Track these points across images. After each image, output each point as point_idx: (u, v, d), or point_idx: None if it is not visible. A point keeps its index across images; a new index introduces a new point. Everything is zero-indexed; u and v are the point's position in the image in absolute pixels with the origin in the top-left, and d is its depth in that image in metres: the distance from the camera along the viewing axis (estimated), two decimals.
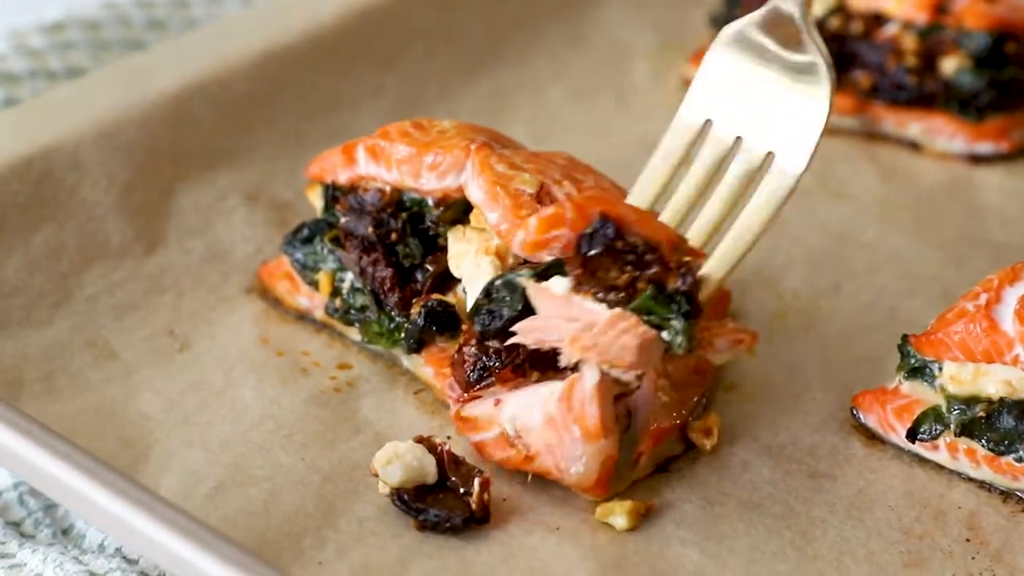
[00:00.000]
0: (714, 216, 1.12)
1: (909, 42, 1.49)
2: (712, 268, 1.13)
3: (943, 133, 1.49)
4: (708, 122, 1.13)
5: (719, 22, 1.58)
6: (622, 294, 1.10)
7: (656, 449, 1.17)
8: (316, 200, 1.30)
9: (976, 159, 1.49)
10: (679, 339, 1.09)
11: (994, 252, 1.38)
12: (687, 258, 1.11)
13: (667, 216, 1.16)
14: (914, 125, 1.50)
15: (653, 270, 1.10)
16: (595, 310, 1.10)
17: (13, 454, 1.10)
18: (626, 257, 1.11)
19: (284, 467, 1.17)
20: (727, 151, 1.12)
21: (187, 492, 1.14)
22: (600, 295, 1.11)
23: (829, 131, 1.49)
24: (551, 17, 1.63)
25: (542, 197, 1.20)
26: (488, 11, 1.60)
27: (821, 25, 1.51)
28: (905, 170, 1.48)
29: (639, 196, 1.16)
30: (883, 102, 1.50)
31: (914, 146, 1.50)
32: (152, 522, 1.04)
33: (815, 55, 1.10)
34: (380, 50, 1.54)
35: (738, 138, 1.12)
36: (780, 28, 1.10)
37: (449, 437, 1.19)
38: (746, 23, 1.12)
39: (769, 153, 1.10)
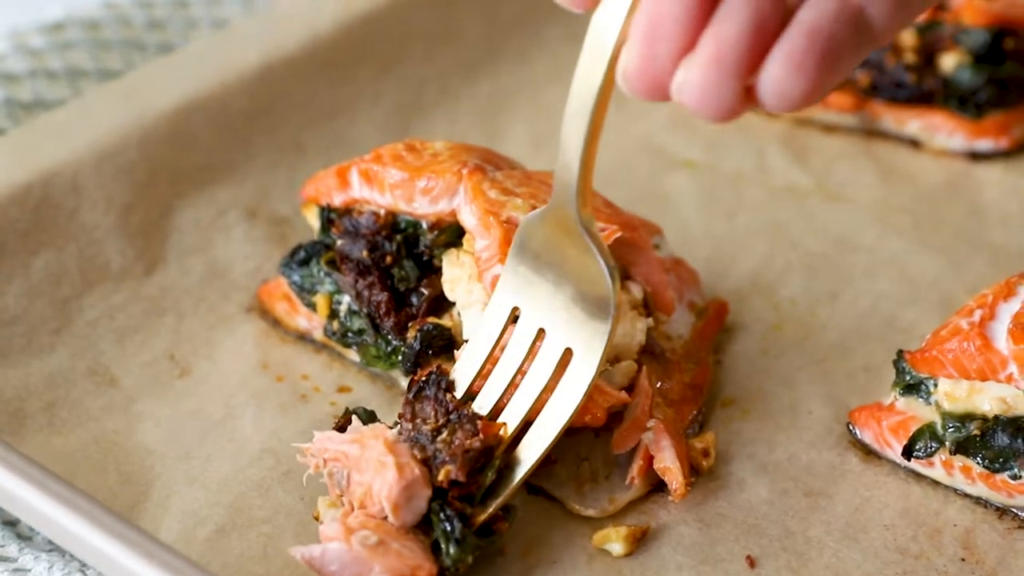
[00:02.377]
0: (520, 409, 1.12)
1: (908, 39, 1.48)
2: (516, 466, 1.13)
3: (942, 130, 1.48)
4: (516, 309, 1.14)
5: None
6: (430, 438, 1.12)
7: (650, 470, 1.18)
8: (313, 219, 1.30)
9: (976, 156, 1.48)
10: (448, 560, 1.09)
11: (993, 255, 1.38)
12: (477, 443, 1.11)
13: (479, 402, 1.15)
14: (913, 122, 1.49)
15: (462, 430, 1.11)
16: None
17: (12, 497, 1.11)
18: (445, 409, 1.12)
19: (284, 507, 1.17)
20: (532, 340, 1.13)
21: (187, 536, 1.15)
22: (412, 435, 1.12)
23: (828, 128, 1.51)
24: (550, 17, 1.62)
25: None
26: (487, 11, 1.60)
27: None
28: (904, 168, 1.48)
29: (460, 374, 1.16)
30: (882, 100, 1.49)
31: (913, 144, 1.50)
32: (151, 568, 1.05)
33: (597, 261, 1.10)
34: (378, 55, 1.53)
35: (541, 329, 1.12)
36: (566, 227, 1.10)
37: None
38: (536, 218, 1.12)
39: (568, 349, 1.11)
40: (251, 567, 1.13)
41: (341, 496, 1.10)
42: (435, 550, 1.09)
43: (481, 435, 1.10)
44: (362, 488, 1.09)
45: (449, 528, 1.09)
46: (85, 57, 1.55)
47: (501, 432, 1.12)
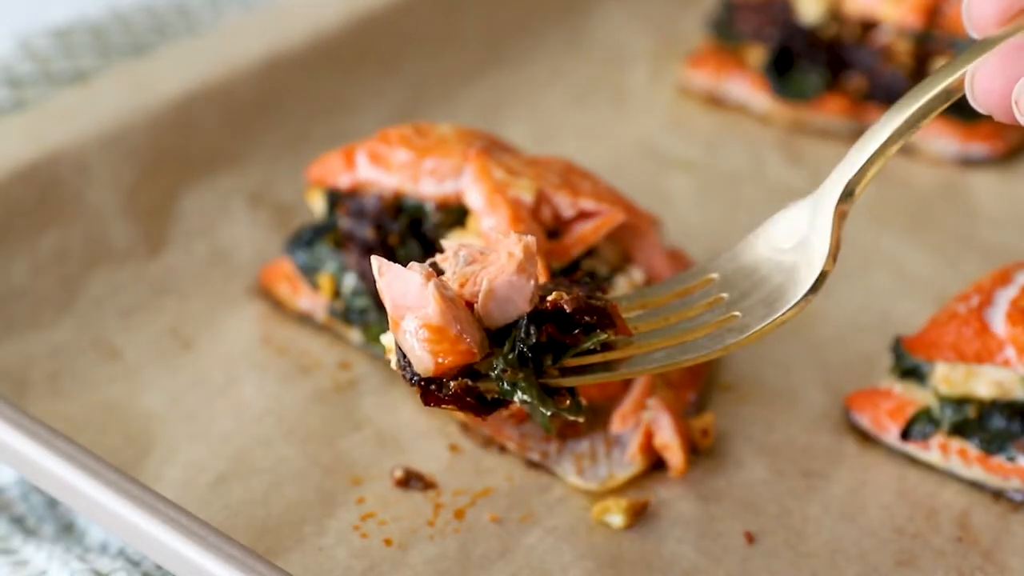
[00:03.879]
0: (657, 338, 1.08)
1: (902, 45, 1.50)
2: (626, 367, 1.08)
3: (936, 136, 1.50)
4: (711, 279, 1.11)
5: (716, 26, 1.60)
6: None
7: (650, 447, 1.19)
8: (316, 204, 1.32)
9: (969, 162, 1.50)
10: (498, 364, 1.02)
11: (986, 254, 1.39)
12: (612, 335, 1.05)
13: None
14: None
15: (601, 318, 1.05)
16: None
17: (18, 454, 1.12)
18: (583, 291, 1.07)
19: (285, 460, 1.19)
20: (706, 305, 1.10)
21: (189, 483, 1.16)
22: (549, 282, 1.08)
23: (822, 134, 1.53)
24: (550, 21, 1.65)
25: (540, 204, 1.22)
26: (488, 16, 1.62)
27: (815, 32, 1.53)
28: (898, 173, 1.50)
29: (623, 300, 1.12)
30: (876, 105, 1.51)
31: (907, 150, 1.51)
32: (154, 521, 1.06)
33: (822, 254, 1.09)
34: (381, 54, 1.55)
35: (721, 297, 1.10)
36: (815, 210, 1.10)
37: (452, 449, 1.22)
38: (794, 206, 1.11)
39: (734, 315, 1.08)
40: (252, 510, 1.15)
41: (429, 276, 1.02)
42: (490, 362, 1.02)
43: (611, 309, 1.05)
44: (472, 271, 1.02)
45: (523, 336, 1.02)
46: (89, 61, 1.56)
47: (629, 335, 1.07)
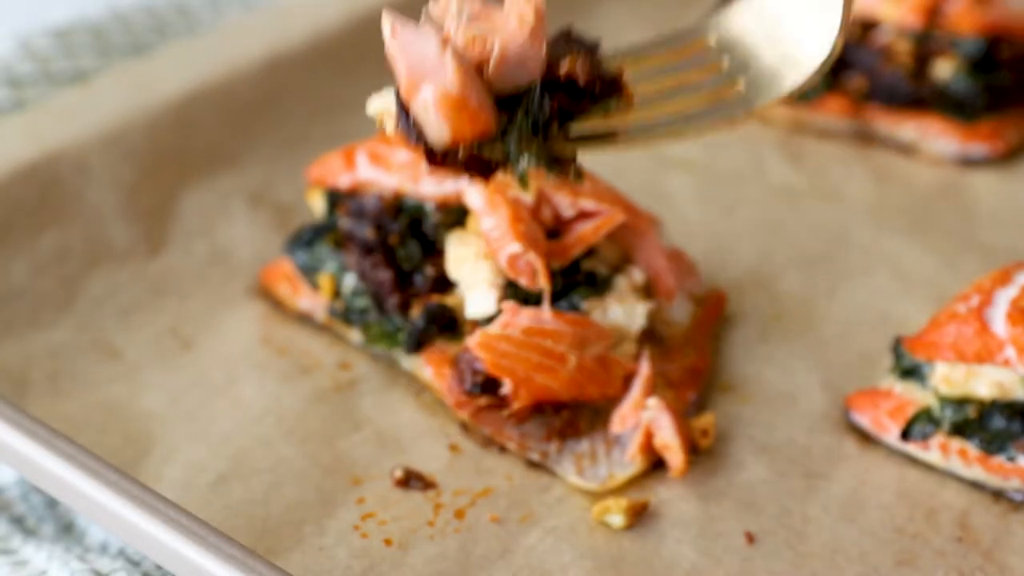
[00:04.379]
0: (659, 101, 1.05)
1: (903, 45, 1.50)
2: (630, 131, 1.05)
3: (936, 135, 1.50)
4: (704, 41, 1.08)
5: None
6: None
7: (650, 447, 1.19)
8: (316, 204, 1.32)
9: (969, 162, 1.50)
10: (512, 139, 1.01)
11: (986, 253, 1.40)
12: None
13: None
14: (908, 127, 1.51)
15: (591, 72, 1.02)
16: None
17: (18, 454, 1.12)
18: (588, 56, 1.04)
19: (285, 460, 1.19)
20: (704, 71, 1.07)
21: (189, 483, 1.16)
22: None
23: (823, 134, 1.53)
24: (550, 21, 1.63)
25: (540, 204, 1.22)
26: None
27: None
28: (899, 173, 1.50)
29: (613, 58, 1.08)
30: (877, 105, 1.51)
31: (907, 151, 1.52)
32: (154, 521, 1.06)
33: (833, 28, 1.04)
34: (381, 54, 1.54)
35: (719, 64, 1.07)
36: None
37: (452, 449, 1.22)
38: None
39: (737, 85, 1.06)
40: (252, 510, 1.15)
41: (446, 40, 1.00)
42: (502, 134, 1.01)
43: (619, 75, 1.02)
44: (481, 30, 1.00)
45: (538, 107, 1.01)
46: (89, 61, 1.56)
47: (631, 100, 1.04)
